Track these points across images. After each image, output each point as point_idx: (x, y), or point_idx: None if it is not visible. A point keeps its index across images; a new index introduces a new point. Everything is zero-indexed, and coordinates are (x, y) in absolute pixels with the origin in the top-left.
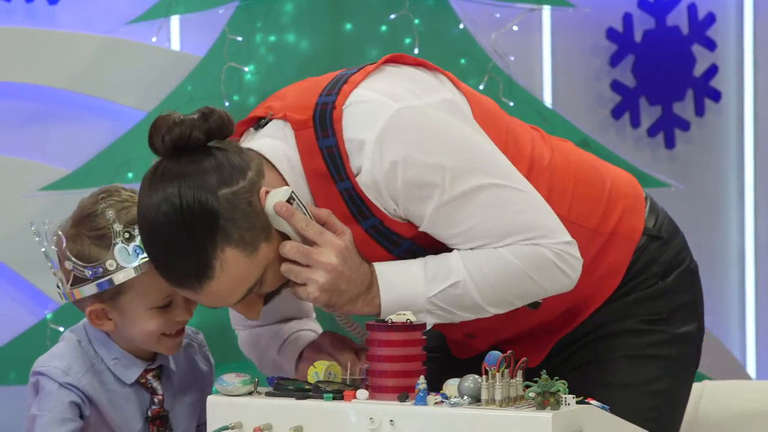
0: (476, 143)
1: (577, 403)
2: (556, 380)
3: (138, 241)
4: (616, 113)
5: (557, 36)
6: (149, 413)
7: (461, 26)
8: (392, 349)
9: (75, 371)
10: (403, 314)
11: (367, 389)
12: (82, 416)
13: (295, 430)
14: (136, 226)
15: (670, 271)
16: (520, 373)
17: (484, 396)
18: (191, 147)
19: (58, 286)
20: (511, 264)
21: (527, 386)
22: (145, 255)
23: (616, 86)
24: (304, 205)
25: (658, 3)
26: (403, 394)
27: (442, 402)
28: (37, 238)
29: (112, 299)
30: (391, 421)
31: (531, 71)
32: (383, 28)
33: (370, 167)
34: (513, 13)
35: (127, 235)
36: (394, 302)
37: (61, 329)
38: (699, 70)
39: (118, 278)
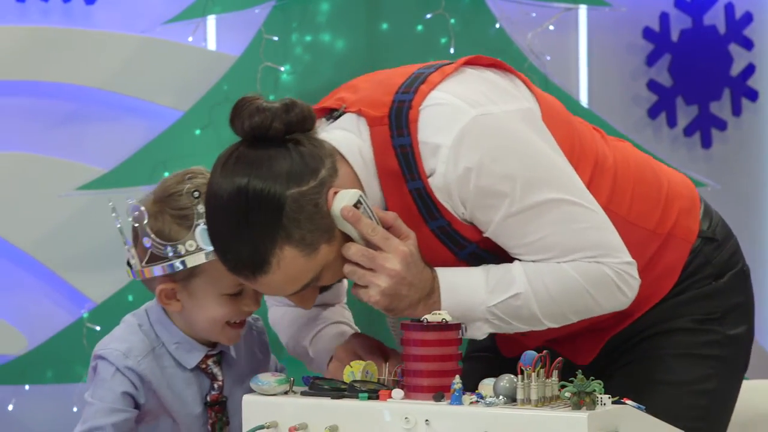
0: (549, 157)
1: (613, 403)
2: (592, 380)
3: None
4: (653, 113)
5: (593, 35)
6: (208, 398)
7: (497, 26)
8: (427, 348)
9: (135, 354)
10: (439, 314)
11: (402, 389)
12: (137, 405)
13: (330, 430)
14: None
15: (723, 273)
16: (555, 372)
17: (519, 396)
18: (270, 137)
19: (128, 264)
20: (572, 280)
21: (563, 386)
22: None
23: (652, 86)
24: (371, 209)
25: (695, 2)
26: (439, 393)
27: (477, 402)
28: (113, 214)
29: (184, 280)
30: (427, 420)
31: (567, 71)
32: (419, 27)
33: (444, 171)
34: (549, 12)
35: None
36: (453, 309)
37: (98, 328)
38: (736, 69)
39: (193, 260)
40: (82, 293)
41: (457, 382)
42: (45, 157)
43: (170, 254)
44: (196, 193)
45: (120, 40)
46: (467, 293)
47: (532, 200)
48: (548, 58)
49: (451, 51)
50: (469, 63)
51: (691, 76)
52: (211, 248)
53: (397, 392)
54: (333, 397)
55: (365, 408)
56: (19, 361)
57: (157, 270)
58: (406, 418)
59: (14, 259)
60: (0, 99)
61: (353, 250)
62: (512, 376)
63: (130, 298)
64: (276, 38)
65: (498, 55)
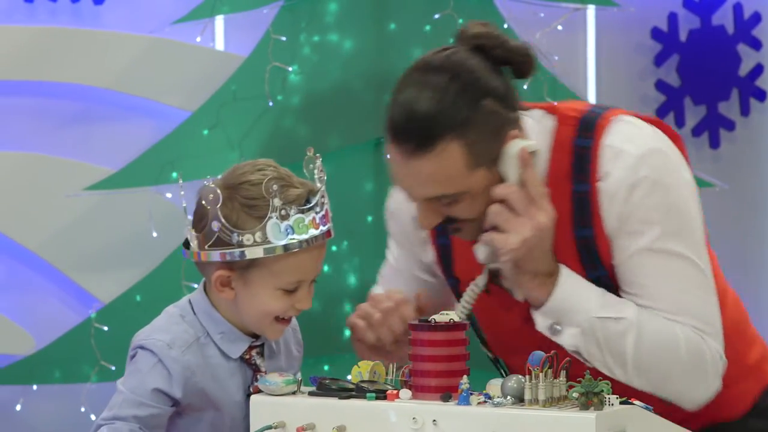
0: (700, 225)
1: (621, 403)
2: (600, 380)
3: (292, 221)
4: (661, 113)
5: (602, 35)
6: (251, 389)
7: (505, 26)
8: (435, 348)
9: (179, 345)
10: (446, 314)
11: (410, 389)
12: (173, 401)
13: (337, 430)
14: (293, 206)
15: None
16: (563, 373)
17: (527, 396)
18: (489, 55)
19: (186, 245)
20: (675, 339)
21: (571, 386)
22: (294, 237)
23: (660, 86)
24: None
25: (704, 2)
26: (446, 394)
27: (485, 402)
28: (182, 192)
29: (243, 269)
30: (434, 421)
31: (575, 71)
32: (427, 27)
33: (621, 176)
34: (557, 12)
35: (283, 212)
36: (562, 300)
37: (105, 328)
38: (744, 69)
39: (253, 253)
40: (90, 293)
41: (464, 382)
42: (53, 157)
43: (234, 242)
44: (275, 186)
45: (128, 41)
46: (580, 295)
47: (674, 247)
48: (556, 58)
49: None
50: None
51: (699, 77)
52: (281, 242)
53: (405, 392)
54: (340, 398)
55: (373, 408)
56: (27, 361)
57: (216, 255)
58: (413, 418)
59: (21, 259)
60: (8, 99)
61: (512, 190)
62: (520, 376)
63: (138, 298)
64: (284, 38)
65: None
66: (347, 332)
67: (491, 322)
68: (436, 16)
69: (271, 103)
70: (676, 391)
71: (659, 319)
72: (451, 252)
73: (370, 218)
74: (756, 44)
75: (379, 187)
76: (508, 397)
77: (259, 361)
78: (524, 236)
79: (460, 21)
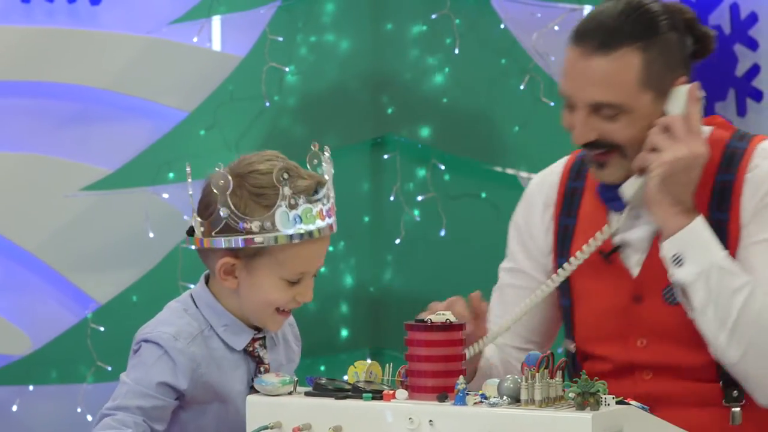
0: None
1: (617, 403)
2: (596, 380)
3: (300, 210)
4: None
5: None
6: (254, 381)
7: (502, 26)
8: (432, 349)
9: (184, 337)
10: (443, 314)
11: (406, 389)
12: (178, 394)
13: (334, 430)
14: (301, 196)
15: None
16: (559, 373)
17: (523, 396)
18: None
19: (190, 233)
20: None
21: (567, 386)
22: (302, 226)
23: None
24: None
25: (700, 2)
26: (443, 394)
27: (481, 402)
28: (189, 180)
29: (248, 258)
30: (431, 421)
31: None
32: (424, 27)
33: None
34: (554, 12)
35: (292, 202)
36: (695, 234)
37: (102, 329)
38: (741, 69)
39: (262, 240)
40: (87, 294)
41: (461, 382)
42: (50, 158)
43: (241, 229)
44: (285, 175)
45: (125, 41)
46: (710, 240)
47: None
48: (553, 58)
49: (456, 51)
50: None
51: (695, 76)
52: (289, 231)
53: (401, 393)
54: (337, 398)
55: (369, 408)
56: (24, 361)
57: (221, 242)
58: (410, 418)
59: (18, 260)
60: (5, 99)
61: (675, 118)
62: (516, 376)
63: (135, 298)
64: (281, 39)
65: (503, 56)
66: (344, 332)
67: (594, 300)
68: (433, 16)
69: (267, 104)
70: (762, 373)
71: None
72: (572, 232)
73: (366, 218)
74: (753, 44)
75: (376, 187)
76: (505, 398)
77: (262, 353)
78: (679, 155)
79: (457, 21)
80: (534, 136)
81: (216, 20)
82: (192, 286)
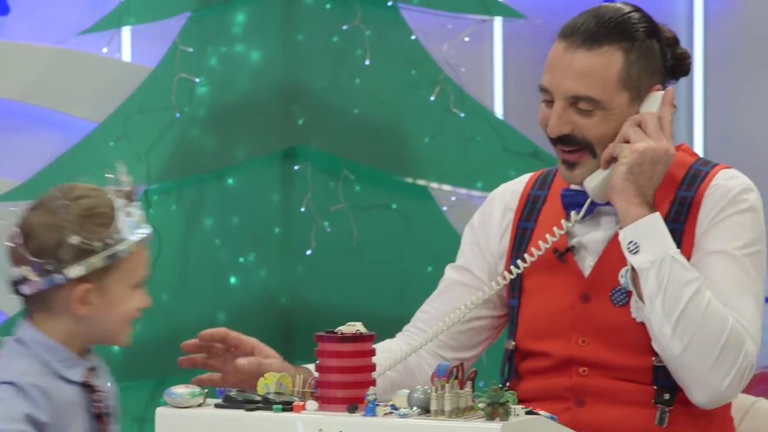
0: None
1: (526, 413)
2: (506, 391)
3: (136, 217)
4: None
5: (509, 47)
6: (95, 411)
7: (413, 37)
8: (342, 360)
9: (33, 373)
10: (353, 325)
11: (316, 400)
12: (39, 428)
13: None
14: (130, 204)
15: None
16: (469, 384)
17: (433, 407)
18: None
19: (17, 284)
20: (725, 319)
21: (477, 397)
22: (141, 231)
23: None
24: None
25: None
26: (353, 405)
27: (391, 413)
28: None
29: (99, 278)
30: None
31: (482, 82)
32: (335, 39)
33: (731, 186)
34: (464, 24)
35: (127, 210)
36: (652, 226)
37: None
38: None
39: (119, 249)
40: None
41: (371, 393)
42: None
43: (98, 248)
44: (110, 189)
45: (34, 51)
46: (666, 235)
47: (748, 263)
48: (463, 69)
49: (367, 62)
50: None
51: None
52: (132, 239)
53: (311, 404)
54: (247, 410)
55: (279, 420)
56: None
57: (80, 269)
58: (320, 429)
59: None
60: None
61: (649, 114)
62: (426, 387)
63: None
64: (191, 49)
65: (414, 67)
66: None
67: (543, 297)
68: (344, 27)
69: (178, 115)
70: (701, 368)
71: (717, 300)
72: (530, 236)
73: (277, 230)
74: None
75: (287, 198)
76: (414, 408)
77: (98, 382)
78: (649, 146)
79: (368, 32)
80: (444, 147)
81: (126, 31)
82: None
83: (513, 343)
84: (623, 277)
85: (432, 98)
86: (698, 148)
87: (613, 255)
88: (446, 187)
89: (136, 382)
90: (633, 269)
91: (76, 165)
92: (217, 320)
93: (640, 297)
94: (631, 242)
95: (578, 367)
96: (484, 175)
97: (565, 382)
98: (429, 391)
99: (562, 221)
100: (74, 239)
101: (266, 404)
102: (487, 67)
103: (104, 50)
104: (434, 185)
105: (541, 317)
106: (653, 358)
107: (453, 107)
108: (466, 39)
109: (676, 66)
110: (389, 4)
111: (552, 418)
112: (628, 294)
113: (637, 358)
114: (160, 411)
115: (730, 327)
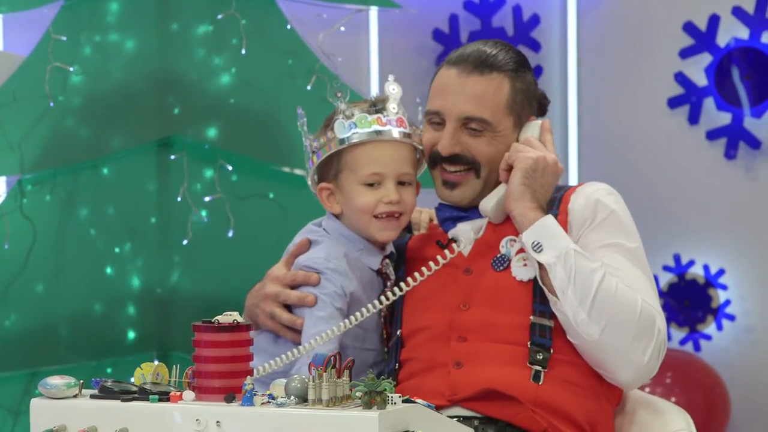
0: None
1: (404, 402)
2: (383, 380)
3: (355, 119)
4: None
5: (384, 37)
6: (380, 299)
7: (288, 27)
8: (219, 350)
9: (334, 257)
10: (230, 315)
11: (193, 390)
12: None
13: None
14: (356, 108)
15: None
16: (347, 372)
17: (311, 396)
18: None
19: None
20: (635, 298)
21: (354, 386)
22: (357, 130)
23: None
24: None
25: (484, 4)
26: (230, 394)
27: (268, 402)
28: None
29: (335, 178)
30: (218, 422)
31: (358, 72)
32: (210, 28)
33: (588, 192)
34: (340, 13)
35: (348, 113)
36: (549, 226)
37: None
38: None
39: (328, 148)
40: None
41: (248, 383)
42: None
43: (315, 148)
44: (340, 94)
45: None
46: (563, 233)
47: (635, 252)
48: (339, 59)
49: (243, 52)
50: None
51: None
52: (345, 135)
53: (189, 394)
54: (123, 400)
55: (156, 410)
56: None
57: (312, 169)
58: (197, 419)
59: None
60: None
61: (533, 137)
62: (304, 376)
63: None
64: (64, 38)
65: (290, 56)
66: (131, 334)
67: (425, 281)
68: (219, 16)
69: (51, 104)
70: (622, 346)
71: (622, 282)
72: (404, 251)
73: (153, 220)
74: (535, 46)
75: (163, 188)
76: (292, 397)
77: (389, 271)
78: (540, 155)
79: (243, 21)
80: None
81: None
82: None
83: (399, 331)
84: (504, 247)
85: (308, 88)
86: (572, 138)
87: (488, 238)
88: None
89: (11, 373)
90: (540, 266)
91: None
92: (93, 311)
93: (552, 292)
94: (534, 242)
95: (458, 335)
96: None
97: (444, 348)
98: (306, 380)
99: (460, 240)
100: (305, 144)
101: (143, 394)
102: (363, 56)
103: None
104: None
105: (424, 295)
106: (531, 316)
107: (329, 96)
108: (342, 29)
109: (540, 103)
110: None
111: (429, 407)
112: (509, 261)
113: (515, 316)
114: (35, 402)
115: (641, 305)
